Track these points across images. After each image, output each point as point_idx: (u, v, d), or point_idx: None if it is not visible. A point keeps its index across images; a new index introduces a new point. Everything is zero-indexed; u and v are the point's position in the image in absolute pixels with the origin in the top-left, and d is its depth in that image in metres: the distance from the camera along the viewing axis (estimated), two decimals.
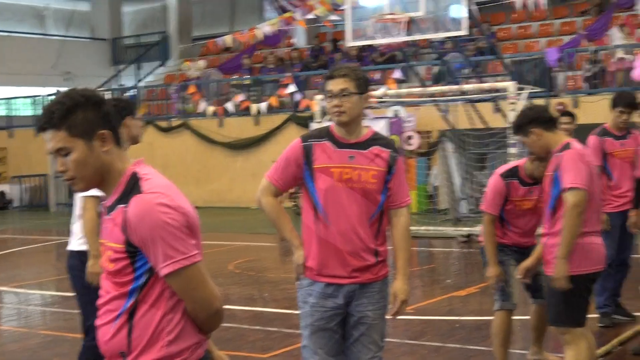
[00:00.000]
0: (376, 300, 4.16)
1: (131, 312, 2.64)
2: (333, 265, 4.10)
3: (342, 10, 14.83)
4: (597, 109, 15.58)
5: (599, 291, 7.35)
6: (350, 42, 14.30)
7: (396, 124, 17.94)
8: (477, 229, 13.60)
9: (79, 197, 5.11)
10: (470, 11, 13.49)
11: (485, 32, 16.92)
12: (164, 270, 2.56)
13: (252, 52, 24.22)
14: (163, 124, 23.13)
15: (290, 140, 4.36)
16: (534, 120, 5.13)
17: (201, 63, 25.38)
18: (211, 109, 21.63)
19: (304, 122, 19.86)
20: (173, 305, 2.63)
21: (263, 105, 20.74)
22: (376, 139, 4.18)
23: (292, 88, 20.14)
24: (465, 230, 14.16)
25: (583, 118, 12.08)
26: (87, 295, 5.06)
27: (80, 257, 5.20)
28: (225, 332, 7.48)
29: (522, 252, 5.78)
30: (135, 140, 5.14)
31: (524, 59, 18.24)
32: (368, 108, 9.86)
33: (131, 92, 25.20)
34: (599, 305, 7.42)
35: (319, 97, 15.34)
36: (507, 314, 5.82)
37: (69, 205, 5.52)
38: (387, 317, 4.25)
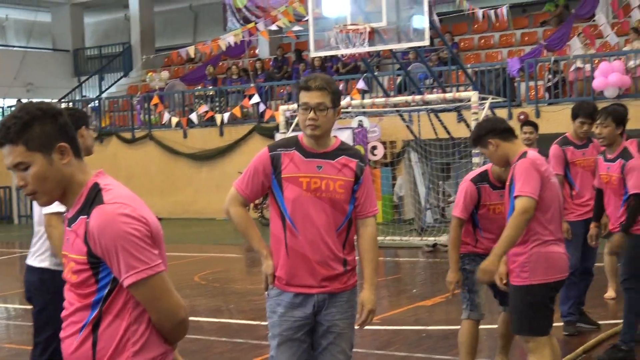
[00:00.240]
0: (345, 310, 4.16)
1: (95, 324, 2.62)
2: (302, 275, 4.09)
3: (305, 21, 14.86)
4: (558, 119, 15.77)
5: (564, 300, 7.41)
6: (314, 53, 14.32)
7: (360, 134, 18.01)
8: (443, 238, 13.71)
9: (41, 213, 5.02)
10: (432, 22, 13.58)
11: (447, 43, 17.02)
12: (127, 280, 2.55)
13: (215, 63, 24.15)
14: (127, 135, 22.97)
15: (255, 151, 4.34)
16: (490, 131, 5.19)
17: (164, 74, 25.25)
18: (175, 120, 21.51)
19: (268, 132, 19.84)
20: (137, 315, 2.61)
21: (226, 116, 20.68)
22: (344, 149, 4.18)
23: (256, 99, 20.11)
24: (431, 239, 14.22)
25: (545, 127, 12.23)
26: (43, 312, 5.03)
27: (40, 274, 5.12)
28: (192, 344, 7.42)
29: None
30: (88, 151, 5.03)
31: (486, 69, 18.41)
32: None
33: (94, 104, 24.99)
34: (564, 314, 7.46)
35: (284, 107, 15.33)
36: (474, 323, 5.83)
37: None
38: (355, 327, 4.24)
